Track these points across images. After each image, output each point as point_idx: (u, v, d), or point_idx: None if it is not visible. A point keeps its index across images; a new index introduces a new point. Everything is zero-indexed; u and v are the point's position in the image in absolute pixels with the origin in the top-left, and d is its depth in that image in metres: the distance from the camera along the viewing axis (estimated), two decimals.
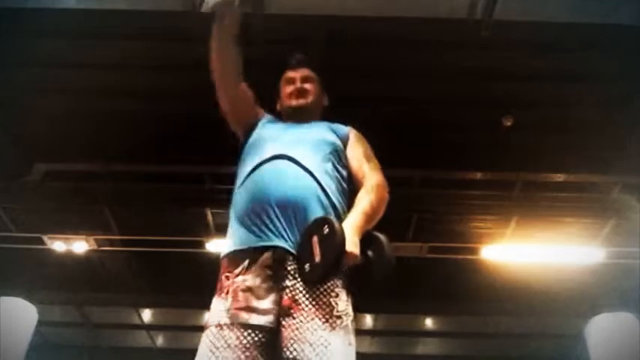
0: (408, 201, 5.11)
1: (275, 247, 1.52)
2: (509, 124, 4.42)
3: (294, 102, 1.93)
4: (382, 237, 1.53)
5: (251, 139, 1.84)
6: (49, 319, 7.03)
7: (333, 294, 1.48)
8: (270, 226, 1.55)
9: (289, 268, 1.50)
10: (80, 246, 5.83)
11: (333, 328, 1.43)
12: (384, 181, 1.72)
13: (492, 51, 3.85)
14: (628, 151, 4.52)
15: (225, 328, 1.45)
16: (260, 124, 1.89)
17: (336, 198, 1.64)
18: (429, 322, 7.85)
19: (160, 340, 8.32)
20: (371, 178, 1.71)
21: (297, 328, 1.42)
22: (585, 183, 5.05)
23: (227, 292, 1.51)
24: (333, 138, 1.79)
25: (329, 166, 1.70)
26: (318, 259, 1.42)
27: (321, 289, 1.47)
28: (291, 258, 1.51)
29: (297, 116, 1.90)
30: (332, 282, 1.49)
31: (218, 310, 1.50)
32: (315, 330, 1.41)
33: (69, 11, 3.57)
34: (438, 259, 5.83)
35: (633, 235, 5.04)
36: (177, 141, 4.68)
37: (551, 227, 5.40)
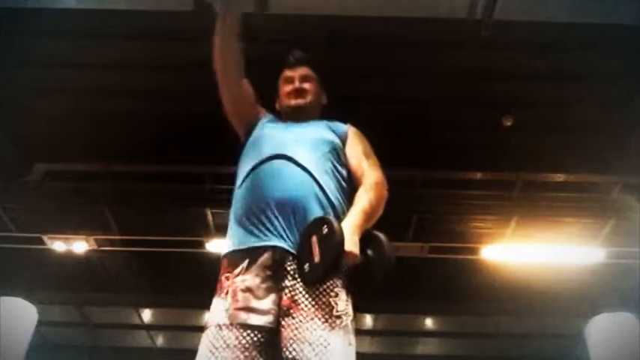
0: (408, 201, 5.11)
1: (274, 248, 1.52)
2: (509, 124, 4.42)
3: (292, 102, 1.92)
4: (382, 236, 1.53)
5: (251, 139, 1.85)
6: (49, 319, 7.03)
7: (332, 294, 1.48)
8: (269, 227, 1.55)
9: (289, 269, 1.50)
10: (80, 246, 5.82)
11: (333, 328, 1.43)
12: (383, 179, 1.72)
13: (492, 51, 3.85)
14: (628, 151, 4.52)
15: (224, 328, 1.45)
16: (260, 124, 1.89)
17: (335, 197, 1.64)
18: (429, 322, 7.85)
19: (160, 340, 8.32)
20: (370, 176, 1.71)
21: (296, 328, 1.42)
22: (585, 183, 5.05)
23: (226, 293, 1.51)
24: (332, 136, 1.79)
25: (328, 165, 1.70)
26: (317, 259, 1.42)
27: (321, 289, 1.47)
28: (290, 258, 1.51)
29: (296, 115, 1.90)
30: (331, 282, 1.49)
31: (218, 310, 1.50)
32: (315, 330, 1.41)
33: (69, 11, 3.57)
34: (438, 259, 5.83)
35: (633, 235, 5.04)
36: (177, 141, 4.68)
37: (551, 227, 5.39)
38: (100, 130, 4.57)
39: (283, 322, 1.44)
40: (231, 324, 1.45)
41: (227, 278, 1.54)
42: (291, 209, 1.56)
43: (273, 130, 1.83)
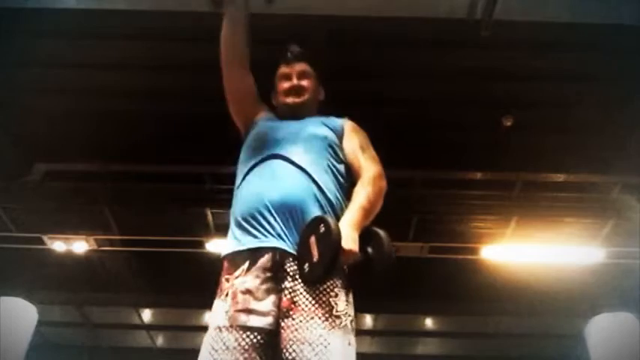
0: (408, 201, 5.12)
1: (274, 249, 1.52)
2: (509, 124, 4.41)
3: (290, 100, 1.90)
4: (381, 232, 1.52)
5: (249, 137, 1.85)
6: (49, 319, 7.04)
7: (332, 294, 1.48)
8: (268, 228, 1.55)
9: (288, 270, 1.50)
10: (80, 246, 5.82)
11: (332, 328, 1.43)
12: (381, 171, 1.70)
13: (492, 51, 3.85)
14: (628, 151, 4.51)
15: (224, 330, 1.45)
16: (259, 122, 1.89)
17: (333, 195, 1.64)
18: (429, 322, 7.85)
19: (160, 340, 8.32)
20: (367, 170, 1.69)
21: (296, 329, 1.42)
22: (585, 183, 5.04)
23: (226, 295, 1.51)
24: (328, 133, 1.78)
25: (324, 162, 1.69)
26: (316, 258, 1.42)
27: (321, 289, 1.47)
28: (290, 259, 1.51)
29: (293, 113, 1.89)
30: (332, 282, 1.49)
31: (218, 312, 1.50)
32: (315, 329, 1.41)
33: (69, 11, 3.56)
34: (439, 259, 5.83)
35: (633, 235, 5.04)
36: (177, 141, 4.68)
37: (551, 227, 5.39)
38: (100, 130, 4.57)
39: (283, 324, 1.44)
40: (231, 326, 1.45)
41: (227, 280, 1.54)
42: (289, 210, 1.55)
43: (271, 128, 1.83)
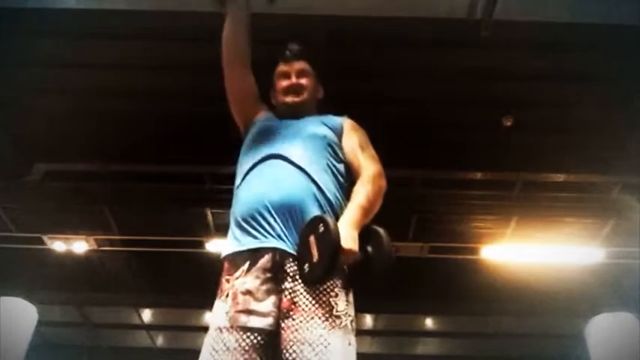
0: (408, 201, 5.11)
1: (274, 249, 1.52)
2: (509, 124, 4.41)
3: (289, 99, 1.89)
4: (381, 231, 1.52)
5: (249, 136, 1.85)
6: (49, 319, 7.03)
7: (332, 294, 1.48)
8: (268, 228, 1.55)
9: (289, 270, 1.50)
10: (80, 246, 5.82)
11: (333, 327, 1.43)
12: (380, 170, 1.70)
13: (492, 51, 3.84)
14: (628, 151, 4.51)
15: (224, 331, 1.45)
16: (258, 121, 1.89)
17: (332, 194, 1.63)
18: (429, 322, 7.85)
19: (160, 340, 8.32)
20: (367, 169, 1.69)
21: (296, 330, 1.42)
22: (585, 183, 5.04)
23: (227, 295, 1.51)
24: (327, 132, 1.77)
25: (324, 162, 1.69)
26: (315, 258, 1.41)
27: (321, 289, 1.47)
28: (290, 259, 1.51)
29: (292, 112, 1.88)
30: (332, 282, 1.49)
31: (218, 313, 1.50)
32: (315, 328, 1.41)
33: (69, 11, 3.56)
34: (439, 259, 5.83)
35: (633, 235, 5.04)
36: (177, 141, 4.68)
37: (551, 227, 5.39)
38: (100, 130, 4.57)
39: (283, 324, 1.44)
40: (232, 327, 1.45)
41: (227, 281, 1.54)
42: (288, 210, 1.55)
43: (270, 128, 1.83)
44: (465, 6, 3.47)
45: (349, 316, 1.50)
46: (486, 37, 3.49)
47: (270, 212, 1.56)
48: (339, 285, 1.51)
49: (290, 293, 1.47)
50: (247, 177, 1.68)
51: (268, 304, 1.47)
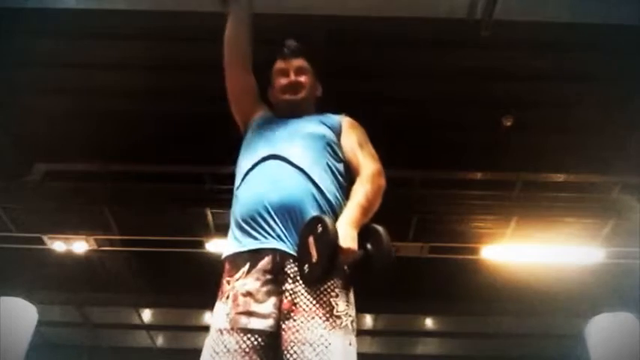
0: (408, 201, 5.11)
1: (275, 250, 1.52)
2: (509, 124, 4.41)
3: (287, 97, 1.89)
4: (380, 229, 1.51)
5: (248, 136, 1.85)
6: (49, 319, 7.03)
7: (333, 294, 1.48)
8: (268, 229, 1.54)
9: (289, 272, 1.49)
10: (80, 246, 5.82)
11: (333, 328, 1.43)
12: (380, 169, 1.69)
13: (492, 51, 3.85)
14: (628, 151, 4.52)
15: (225, 333, 1.45)
16: (257, 121, 1.88)
17: (332, 194, 1.63)
18: (429, 322, 7.85)
19: (160, 340, 8.32)
20: (366, 167, 1.68)
21: (297, 331, 1.41)
22: (585, 183, 5.05)
23: (227, 297, 1.51)
24: (326, 131, 1.76)
25: (323, 161, 1.68)
26: (315, 259, 1.41)
27: (321, 289, 1.47)
28: (290, 260, 1.50)
29: (291, 110, 1.87)
30: (332, 282, 1.49)
31: (219, 315, 1.50)
32: (316, 328, 1.41)
33: (69, 11, 3.56)
34: (439, 259, 5.83)
35: (633, 235, 5.04)
36: (177, 141, 4.68)
37: (551, 227, 5.39)
38: (100, 130, 4.57)
39: (284, 326, 1.44)
40: (232, 328, 1.45)
41: (228, 282, 1.54)
42: (288, 211, 1.55)
43: (269, 127, 1.82)
44: (465, 6, 3.47)
45: (350, 316, 1.49)
46: (486, 37, 3.49)
47: (269, 213, 1.55)
48: (340, 285, 1.51)
49: (290, 294, 1.47)
50: (247, 177, 1.67)
51: (269, 306, 1.47)
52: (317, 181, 1.61)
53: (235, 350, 1.42)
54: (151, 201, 5.33)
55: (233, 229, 1.63)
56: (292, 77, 1.89)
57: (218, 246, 5.49)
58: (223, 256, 1.62)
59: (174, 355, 7.77)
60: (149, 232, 5.61)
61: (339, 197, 1.66)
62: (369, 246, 1.49)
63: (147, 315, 7.78)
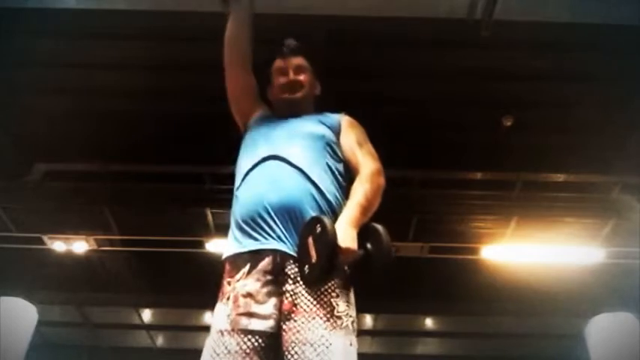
0: (408, 201, 5.11)
1: (275, 251, 1.51)
2: (509, 124, 4.42)
3: (286, 95, 1.88)
4: (380, 227, 1.51)
5: (247, 136, 1.85)
6: (49, 319, 7.03)
7: (333, 294, 1.48)
8: (268, 230, 1.54)
9: (289, 273, 1.49)
10: (80, 246, 5.82)
11: (334, 328, 1.42)
12: (379, 167, 1.68)
13: (492, 51, 3.85)
14: (628, 151, 4.52)
15: (225, 334, 1.45)
16: (256, 120, 1.88)
17: (332, 194, 1.62)
18: (429, 322, 7.84)
19: (160, 340, 8.32)
20: (365, 166, 1.67)
21: (297, 331, 1.41)
22: (585, 183, 5.04)
23: (228, 298, 1.51)
24: (325, 131, 1.76)
25: (322, 162, 1.68)
26: (314, 259, 1.41)
27: (322, 290, 1.47)
28: (291, 261, 1.50)
29: (290, 109, 1.87)
30: (332, 282, 1.49)
31: (220, 316, 1.50)
32: (317, 329, 1.41)
33: (69, 11, 3.57)
34: (439, 259, 5.83)
35: (633, 235, 5.04)
36: (177, 141, 4.68)
37: (551, 227, 5.39)
38: (100, 129, 4.57)
39: (284, 326, 1.44)
40: (233, 330, 1.45)
41: (229, 283, 1.54)
42: (287, 212, 1.55)
43: (266, 128, 1.82)
44: (465, 6, 3.47)
45: (350, 316, 1.49)
46: (486, 37, 3.49)
47: (269, 214, 1.55)
48: (340, 286, 1.50)
49: (291, 295, 1.47)
50: (247, 178, 1.67)
51: (269, 307, 1.46)
52: (317, 181, 1.61)
53: (236, 351, 1.42)
54: (151, 201, 5.33)
55: (233, 230, 1.63)
56: (291, 76, 1.88)
57: (218, 246, 5.49)
58: (223, 257, 1.62)
59: (174, 355, 7.77)
60: (149, 232, 5.61)
61: (339, 197, 1.65)
62: (368, 245, 1.49)
63: (147, 315, 7.78)
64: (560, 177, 4.97)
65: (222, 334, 1.45)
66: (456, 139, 4.56)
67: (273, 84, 1.93)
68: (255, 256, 1.52)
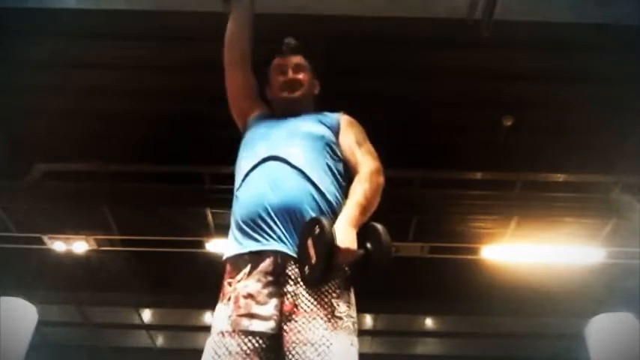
0: (408, 201, 5.11)
1: (276, 252, 1.51)
2: (509, 124, 4.42)
3: (285, 94, 1.88)
4: (380, 227, 1.50)
5: (247, 137, 1.84)
6: (49, 319, 7.03)
7: (334, 295, 1.48)
8: (269, 231, 1.54)
9: (290, 274, 1.49)
10: (80, 246, 5.83)
11: (335, 328, 1.42)
12: (378, 167, 1.68)
13: (492, 51, 3.84)
14: (628, 151, 4.52)
15: (226, 335, 1.45)
16: (256, 120, 1.88)
17: (332, 195, 1.62)
18: (429, 322, 7.84)
19: (160, 340, 8.32)
20: (364, 166, 1.67)
21: (298, 332, 1.41)
22: (585, 183, 5.04)
23: (229, 299, 1.50)
24: (324, 131, 1.76)
25: (322, 162, 1.67)
26: (314, 260, 1.41)
27: (322, 290, 1.47)
28: (291, 262, 1.50)
29: (288, 108, 1.87)
30: (333, 283, 1.49)
31: (220, 317, 1.50)
32: (317, 329, 1.41)
33: (69, 11, 3.56)
34: (439, 259, 5.83)
35: (633, 235, 5.04)
36: (177, 141, 4.68)
37: (551, 227, 5.40)
38: (100, 130, 4.57)
39: (285, 327, 1.44)
40: (234, 331, 1.44)
41: (229, 284, 1.54)
42: (287, 213, 1.54)
43: (265, 128, 1.81)
44: (464, 6, 3.46)
45: (351, 317, 1.49)
46: (486, 38, 3.48)
47: (270, 215, 1.55)
48: (341, 286, 1.50)
49: (292, 296, 1.46)
50: (247, 179, 1.67)
51: (270, 308, 1.46)
52: (317, 182, 1.61)
53: (237, 352, 1.41)
54: (151, 201, 5.33)
55: (234, 231, 1.63)
56: (290, 75, 1.88)
57: (218, 246, 5.50)
58: (224, 258, 1.62)
59: (174, 355, 7.77)
60: (149, 232, 5.61)
61: (338, 197, 1.65)
62: (368, 245, 1.49)
63: (147, 315, 7.78)
64: (560, 177, 4.97)
65: (223, 335, 1.45)
66: (456, 139, 4.56)
67: (272, 83, 1.93)
68: (255, 257, 1.52)
